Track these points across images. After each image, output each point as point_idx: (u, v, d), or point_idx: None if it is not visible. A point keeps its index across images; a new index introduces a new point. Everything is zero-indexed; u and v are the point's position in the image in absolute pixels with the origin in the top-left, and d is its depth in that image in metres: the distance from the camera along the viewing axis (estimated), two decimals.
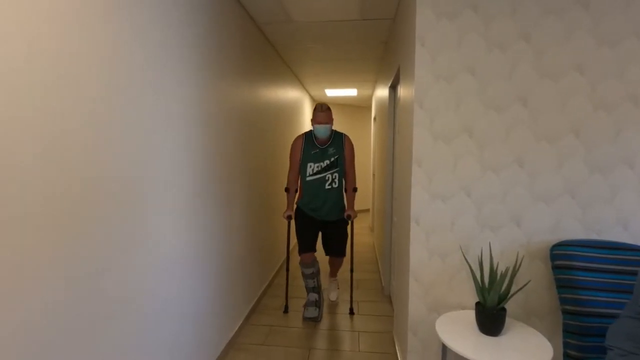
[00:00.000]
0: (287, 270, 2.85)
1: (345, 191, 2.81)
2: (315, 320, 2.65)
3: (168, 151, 1.54)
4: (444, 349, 1.57)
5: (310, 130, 2.71)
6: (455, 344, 1.43)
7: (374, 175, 5.26)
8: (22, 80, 0.86)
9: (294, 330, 2.55)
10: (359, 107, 7.68)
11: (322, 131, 2.58)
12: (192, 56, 1.75)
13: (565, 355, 1.53)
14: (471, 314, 1.67)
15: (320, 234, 2.83)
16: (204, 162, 1.91)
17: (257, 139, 2.94)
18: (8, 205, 0.82)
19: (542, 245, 1.72)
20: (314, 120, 2.60)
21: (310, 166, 2.65)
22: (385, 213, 3.27)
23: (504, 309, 1.48)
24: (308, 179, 2.67)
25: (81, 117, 1.05)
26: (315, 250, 2.75)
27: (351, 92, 5.80)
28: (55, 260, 0.96)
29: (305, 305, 2.75)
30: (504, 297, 1.48)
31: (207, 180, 1.94)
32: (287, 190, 2.78)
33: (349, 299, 3.01)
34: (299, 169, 2.71)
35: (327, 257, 2.95)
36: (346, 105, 7.43)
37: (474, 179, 1.74)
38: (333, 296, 3.04)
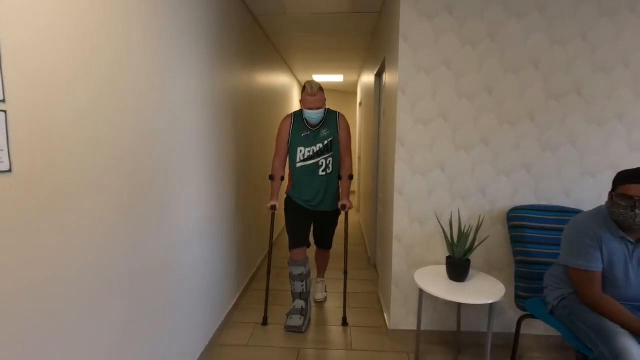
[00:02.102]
0: (269, 273, 2.48)
1: (340, 178, 2.46)
2: (300, 330, 2.29)
3: (187, 135, 1.79)
4: (421, 294, 1.92)
5: (300, 110, 2.33)
6: (430, 289, 1.78)
7: (359, 158, 5.58)
8: (86, 82, 1.09)
9: (287, 293, 2.85)
10: (345, 92, 7.93)
11: (315, 117, 2.25)
12: (200, 49, 1.97)
13: (517, 296, 1.91)
14: (443, 268, 2.03)
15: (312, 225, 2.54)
16: (213, 145, 2.16)
17: (253, 123, 3.18)
18: (86, 176, 1.07)
19: (502, 210, 2.09)
20: (303, 105, 2.25)
21: (301, 151, 2.32)
22: (371, 192, 3.61)
23: (468, 260, 1.84)
24: (299, 165, 2.34)
25: (131, 108, 1.29)
26: (308, 245, 2.44)
27: (338, 78, 6.04)
28: (115, 222, 1.22)
29: (289, 314, 2.37)
30: (468, 250, 1.83)
31: (216, 160, 2.20)
32: (271, 177, 2.46)
33: (341, 306, 2.64)
34: (287, 154, 2.40)
35: (315, 254, 2.74)
36: (332, 90, 7.66)
37: (448, 157, 2.07)
38: (320, 296, 2.74)
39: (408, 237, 2.15)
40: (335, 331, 2.33)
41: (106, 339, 1.17)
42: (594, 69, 1.96)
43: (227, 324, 2.39)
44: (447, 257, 1.90)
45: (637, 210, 1.36)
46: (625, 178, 1.41)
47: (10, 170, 0.81)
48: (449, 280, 1.89)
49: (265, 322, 2.43)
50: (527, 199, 2.07)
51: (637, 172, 1.39)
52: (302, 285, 2.41)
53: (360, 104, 5.38)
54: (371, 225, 3.64)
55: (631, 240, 1.45)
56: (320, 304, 2.72)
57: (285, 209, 2.48)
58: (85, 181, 1.06)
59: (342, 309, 2.56)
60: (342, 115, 2.40)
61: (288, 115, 2.40)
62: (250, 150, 3.08)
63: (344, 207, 2.43)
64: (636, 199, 1.36)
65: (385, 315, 2.43)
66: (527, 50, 1.97)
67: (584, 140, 2.01)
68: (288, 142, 2.36)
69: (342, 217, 2.57)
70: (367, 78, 4.15)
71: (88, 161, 1.07)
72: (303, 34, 3.59)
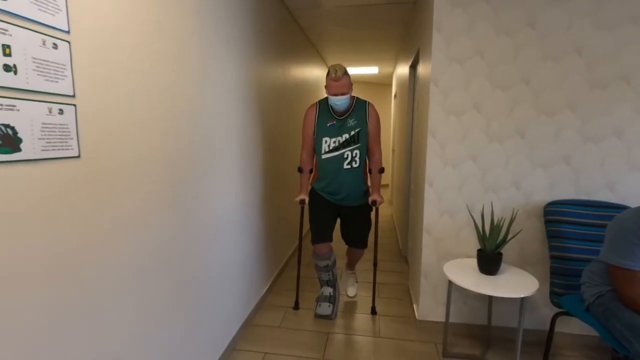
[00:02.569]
0: (299, 262, 2.51)
1: (370, 172, 2.34)
2: (329, 317, 2.33)
3: (225, 126, 1.91)
4: (450, 287, 1.92)
5: (326, 98, 2.22)
6: (460, 281, 1.78)
7: (393, 150, 5.54)
8: (145, 86, 1.22)
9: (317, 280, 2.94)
10: (379, 85, 7.84)
11: (340, 104, 2.13)
12: (238, 45, 2.08)
13: (552, 292, 1.87)
14: (474, 261, 2.01)
15: (339, 221, 2.43)
16: (247, 135, 2.27)
17: (287, 115, 3.28)
18: (138, 164, 1.21)
19: (538, 204, 2.03)
20: (327, 90, 2.13)
21: (326, 141, 2.20)
22: (404, 184, 3.60)
23: (500, 253, 1.82)
24: (324, 156, 2.23)
25: (185, 102, 1.41)
26: (331, 240, 2.35)
27: (372, 69, 6.00)
28: (163, 205, 1.35)
29: (318, 300, 2.41)
30: (500, 243, 1.81)
31: (249, 150, 2.31)
32: (300, 170, 2.37)
33: (370, 295, 2.63)
34: (313, 144, 2.30)
35: (345, 247, 2.59)
36: (367, 82, 7.60)
37: (481, 148, 2.04)
38: (351, 292, 2.66)
39: (438, 229, 2.15)
40: (363, 319, 2.39)
41: (157, 311, 1.31)
42: None
43: (261, 306, 2.53)
44: (478, 250, 1.88)
45: None
46: None
47: (79, 156, 0.95)
48: (479, 273, 1.88)
49: (296, 306, 2.51)
50: (566, 192, 1.99)
51: None
52: (329, 274, 2.43)
53: (395, 96, 5.32)
54: (403, 218, 3.64)
55: None
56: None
57: (309, 202, 2.37)
58: (138, 168, 1.19)
59: (371, 299, 2.58)
60: (372, 105, 2.26)
61: (313, 104, 2.29)
62: (282, 142, 3.18)
63: (374, 202, 2.29)
64: None
65: (414, 305, 2.45)
66: (570, 38, 1.88)
67: (632, 131, 1.90)
68: (314, 133, 2.26)
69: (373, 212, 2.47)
70: (402, 70, 4.10)
71: (140, 150, 1.20)
72: (337, 27, 3.61)
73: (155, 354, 1.32)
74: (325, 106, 2.23)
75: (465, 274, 1.86)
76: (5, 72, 0.75)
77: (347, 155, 2.21)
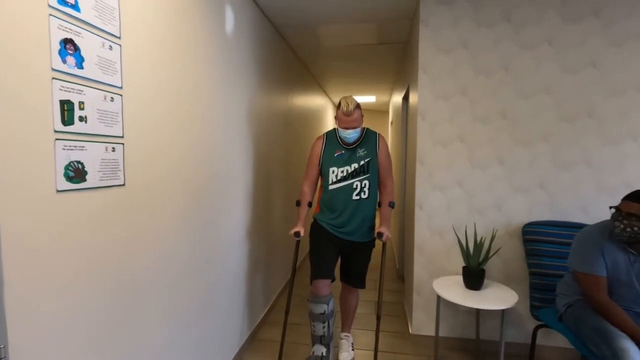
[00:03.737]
0: (287, 311, 2.11)
1: (379, 205, 2.19)
2: None
3: (234, 151, 2.14)
4: (439, 301, 2.09)
5: (334, 129, 2.16)
6: (448, 295, 1.96)
7: None
8: (172, 118, 1.46)
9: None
10: (377, 112, 8.19)
11: (350, 137, 2.06)
12: (247, 79, 2.35)
13: (532, 306, 2.04)
14: (461, 278, 2.19)
15: (339, 257, 2.20)
16: (253, 159, 2.51)
17: (290, 143, 3.53)
18: (166, 185, 1.43)
19: (518, 225, 2.23)
20: (338, 123, 2.08)
21: (334, 171, 2.10)
22: (399, 207, 3.80)
23: (483, 270, 2.00)
24: (331, 187, 2.10)
25: (201, 127, 1.65)
26: (333, 279, 2.09)
27: (370, 98, 6.33)
28: (187, 222, 1.56)
29: None
30: (483, 260, 2.00)
31: (253, 175, 2.54)
32: (297, 203, 2.21)
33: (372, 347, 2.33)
34: (319, 175, 2.19)
35: (340, 296, 2.33)
36: (365, 109, 7.95)
37: (465, 174, 2.26)
38: (345, 357, 2.24)
39: (429, 248, 2.34)
40: None
41: (182, 314, 1.50)
42: (605, 93, 2.09)
43: None
44: (464, 267, 2.07)
45: (625, 222, 1.50)
46: (628, 196, 1.55)
47: (124, 184, 1.17)
48: (465, 288, 2.05)
49: None
50: (543, 214, 2.20)
51: (637, 191, 1.53)
52: (324, 328, 2.04)
53: (392, 123, 5.61)
54: (400, 240, 3.82)
55: (633, 251, 1.57)
56: None
57: (311, 234, 2.18)
58: (168, 193, 1.41)
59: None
60: (382, 137, 2.16)
61: (320, 137, 2.21)
62: (286, 168, 3.41)
63: (380, 235, 2.06)
64: (624, 212, 1.50)
65: (408, 321, 2.60)
66: (540, 78, 2.15)
67: (600, 160, 2.13)
68: (319, 164, 2.16)
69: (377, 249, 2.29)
70: (396, 99, 4.40)
71: (170, 178, 1.42)
72: (336, 62, 3.93)
73: (191, 348, 1.50)
74: (333, 137, 2.15)
75: (453, 289, 2.04)
76: (79, 122, 0.98)
77: (357, 185, 2.08)
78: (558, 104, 2.14)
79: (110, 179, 1.11)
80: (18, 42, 0.82)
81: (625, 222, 1.51)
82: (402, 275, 3.65)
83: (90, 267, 1.04)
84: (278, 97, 3.05)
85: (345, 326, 2.35)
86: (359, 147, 2.11)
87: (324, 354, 2.05)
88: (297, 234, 2.13)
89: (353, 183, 2.08)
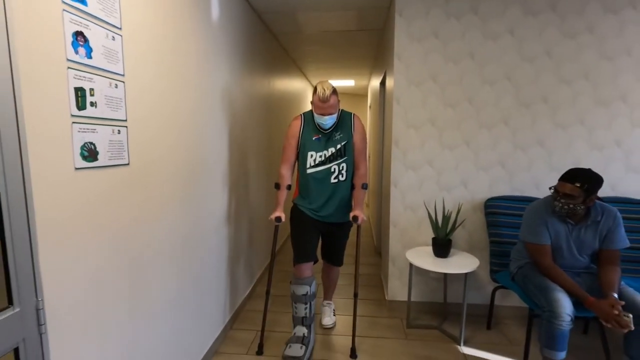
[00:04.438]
0: (268, 292, 2.19)
1: (353, 187, 2.19)
2: None
3: (221, 135, 2.26)
4: (411, 268, 2.33)
5: (310, 111, 2.15)
6: (419, 263, 2.20)
7: (369, 156, 5.99)
8: (165, 106, 1.57)
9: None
10: (356, 95, 8.34)
11: (327, 123, 2.07)
12: (231, 63, 2.45)
13: (491, 271, 2.32)
14: (431, 248, 2.44)
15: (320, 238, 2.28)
16: (237, 142, 2.63)
17: (271, 127, 3.65)
18: (165, 169, 1.55)
19: (481, 200, 2.48)
20: (314, 109, 2.07)
21: (312, 156, 2.12)
22: (377, 187, 4.03)
23: (449, 240, 2.25)
24: (309, 171, 2.13)
25: (187, 115, 1.77)
26: (315, 260, 2.16)
27: (349, 82, 6.46)
28: (182, 199, 1.70)
29: (289, 342, 2.07)
30: (450, 231, 2.24)
31: (238, 156, 2.67)
32: (276, 186, 2.20)
33: (349, 333, 2.30)
34: (296, 159, 2.20)
35: (322, 272, 2.47)
36: (344, 94, 8.08)
37: (435, 155, 2.48)
38: (327, 321, 2.41)
39: (402, 222, 2.57)
40: None
41: (176, 279, 1.65)
42: (558, 81, 2.34)
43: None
44: (433, 239, 2.31)
45: (562, 201, 1.75)
46: (562, 177, 1.80)
47: (128, 164, 1.29)
48: (434, 256, 2.30)
49: (260, 351, 2.13)
50: (503, 190, 2.46)
51: (569, 172, 1.78)
52: (306, 309, 2.10)
53: (370, 106, 5.79)
54: (377, 218, 4.06)
55: (571, 222, 1.83)
56: (327, 330, 2.40)
57: (291, 219, 2.24)
58: (165, 172, 1.54)
59: (350, 338, 2.21)
60: (357, 117, 2.17)
61: (297, 117, 2.18)
62: (268, 149, 3.54)
63: (355, 219, 2.09)
64: (560, 193, 1.76)
65: (384, 289, 2.86)
66: (502, 66, 2.36)
67: (552, 141, 2.39)
68: (297, 147, 2.16)
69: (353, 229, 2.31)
70: (374, 84, 4.56)
71: (166, 159, 1.55)
72: (316, 47, 4.04)
73: (192, 306, 1.66)
74: (310, 119, 2.15)
75: (424, 258, 2.28)
76: (91, 107, 1.10)
77: (334, 169, 2.13)
78: (517, 90, 2.37)
79: (117, 159, 1.23)
80: (37, 35, 0.92)
81: (562, 200, 1.77)
82: (380, 250, 3.91)
83: (105, 235, 1.18)
84: (260, 81, 3.15)
85: (327, 295, 2.55)
86: (335, 130, 2.13)
87: (306, 335, 2.10)
88: (278, 219, 2.15)
89: (331, 167, 2.12)
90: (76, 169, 1.05)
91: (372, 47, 3.99)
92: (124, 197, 1.27)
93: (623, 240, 1.77)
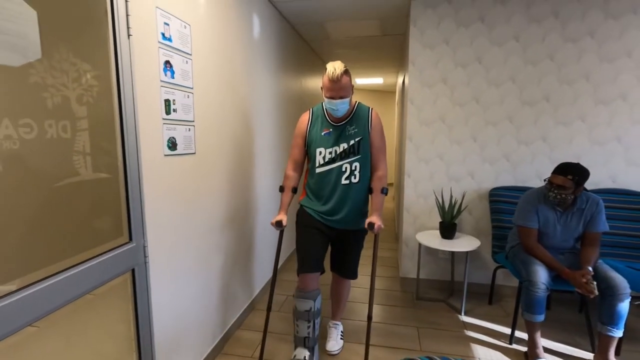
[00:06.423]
0: (269, 308, 1.93)
1: (371, 192, 1.93)
2: None
3: (263, 132, 2.72)
4: (420, 248, 2.68)
5: (321, 103, 1.95)
6: (427, 243, 2.55)
7: (396, 150, 6.29)
8: (223, 105, 2.04)
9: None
10: (384, 92, 8.59)
11: (338, 109, 1.81)
12: (267, 69, 2.89)
13: (493, 252, 2.61)
14: (439, 231, 2.76)
15: (329, 246, 2.03)
16: (271, 140, 3.09)
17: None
18: (221, 158, 2.02)
19: (486, 190, 2.77)
20: (324, 92, 1.82)
21: (321, 152, 1.89)
22: (399, 178, 4.36)
23: (454, 223, 2.57)
24: (318, 170, 1.90)
25: (234, 116, 2.23)
26: (322, 271, 1.93)
27: (378, 80, 6.76)
28: (233, 182, 2.17)
29: None
30: (455, 215, 2.56)
31: (275, 144, 3.13)
32: (281, 189, 1.99)
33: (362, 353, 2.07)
34: (305, 157, 2.00)
35: (331, 286, 2.19)
36: (373, 90, 8.36)
37: (445, 149, 2.80)
38: (332, 346, 2.10)
39: (415, 208, 2.91)
40: None
41: (228, 249, 2.13)
42: (560, 82, 2.56)
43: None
44: (440, 222, 2.64)
45: (555, 191, 2.02)
46: (555, 170, 2.07)
47: (195, 153, 1.77)
48: (441, 238, 2.64)
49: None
50: (507, 181, 2.73)
51: (560, 166, 2.05)
52: (309, 328, 1.85)
53: (397, 103, 6.07)
54: (397, 206, 4.39)
55: (559, 210, 2.10)
56: (333, 357, 2.06)
57: (297, 223, 1.99)
58: (219, 160, 2.01)
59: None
60: (375, 112, 1.92)
61: (305, 112, 1.98)
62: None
63: (371, 226, 1.81)
64: (554, 184, 2.03)
65: (399, 267, 3.22)
66: (507, 69, 2.63)
67: (554, 137, 2.62)
68: (305, 144, 1.95)
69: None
70: (400, 82, 4.86)
71: (221, 150, 2.02)
72: (344, 50, 4.41)
73: (239, 277, 2.15)
74: (320, 112, 1.93)
75: (432, 239, 2.62)
76: (173, 112, 1.58)
77: (346, 168, 1.87)
78: (521, 91, 2.63)
79: (189, 149, 1.71)
80: (146, 65, 1.40)
81: (555, 191, 2.03)
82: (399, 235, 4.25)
83: (180, 201, 1.66)
84: (293, 82, 3.59)
85: (336, 315, 2.22)
86: (349, 124, 1.87)
87: (307, 359, 1.84)
88: (278, 223, 1.89)
89: (342, 165, 1.87)
90: (164, 155, 1.53)
91: (397, 49, 4.30)
92: (191, 176, 1.75)
93: (603, 224, 2.02)
